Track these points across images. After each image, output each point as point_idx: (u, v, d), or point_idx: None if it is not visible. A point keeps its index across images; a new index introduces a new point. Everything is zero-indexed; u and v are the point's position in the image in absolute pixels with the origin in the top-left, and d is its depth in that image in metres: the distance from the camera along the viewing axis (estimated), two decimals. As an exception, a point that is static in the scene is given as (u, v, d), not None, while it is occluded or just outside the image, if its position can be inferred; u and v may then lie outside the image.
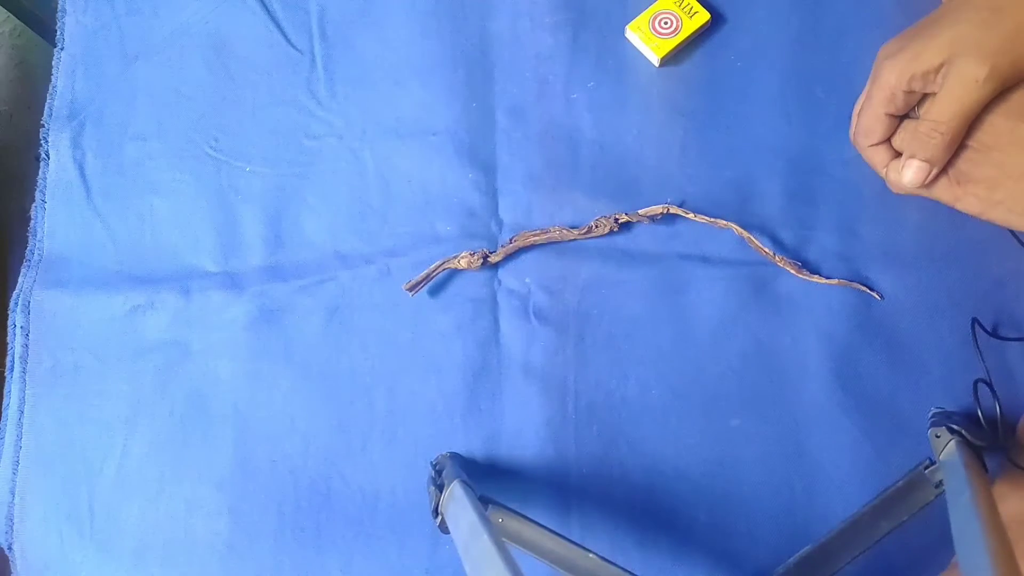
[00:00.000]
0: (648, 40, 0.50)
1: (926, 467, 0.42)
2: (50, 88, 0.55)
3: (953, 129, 0.39)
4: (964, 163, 0.41)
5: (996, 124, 0.40)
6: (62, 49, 0.56)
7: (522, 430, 0.47)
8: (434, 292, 0.49)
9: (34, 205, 0.53)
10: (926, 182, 0.42)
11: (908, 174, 0.41)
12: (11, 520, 0.49)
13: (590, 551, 0.40)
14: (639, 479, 0.46)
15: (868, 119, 0.43)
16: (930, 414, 0.44)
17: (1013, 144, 0.39)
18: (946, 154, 0.40)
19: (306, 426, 0.48)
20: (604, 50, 0.52)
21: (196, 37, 0.55)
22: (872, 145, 0.43)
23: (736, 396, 0.46)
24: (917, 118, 0.42)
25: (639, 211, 0.48)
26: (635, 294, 0.48)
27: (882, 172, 0.44)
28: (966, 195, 0.41)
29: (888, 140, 0.43)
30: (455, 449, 0.47)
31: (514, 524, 0.41)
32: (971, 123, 0.40)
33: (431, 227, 0.50)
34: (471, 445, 0.47)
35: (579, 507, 0.46)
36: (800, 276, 0.47)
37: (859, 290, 0.47)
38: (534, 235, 0.49)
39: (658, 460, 0.46)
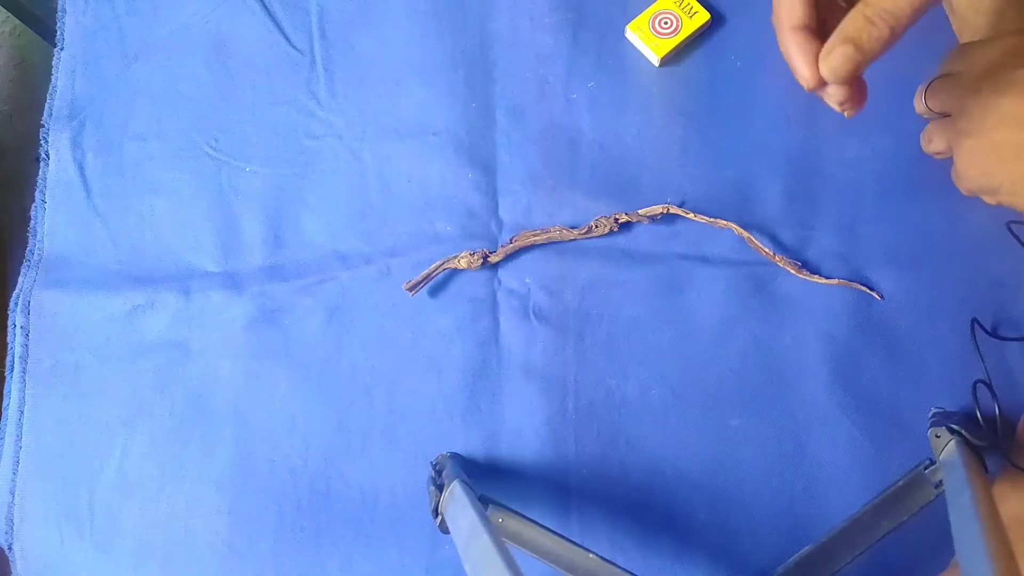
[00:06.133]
0: (648, 40, 0.50)
1: (926, 467, 0.42)
2: (50, 88, 0.55)
3: (902, 22, 0.33)
4: (963, 154, 0.41)
5: (991, 103, 0.38)
6: (62, 49, 0.56)
7: (522, 430, 0.47)
8: (434, 292, 0.49)
9: (34, 205, 0.53)
10: (847, 76, 0.35)
11: (832, 60, 0.35)
12: (11, 520, 0.49)
13: (590, 551, 0.40)
14: (639, 479, 0.46)
15: None
16: (930, 414, 0.44)
17: (1004, 123, 0.38)
18: (882, 49, 0.34)
19: (306, 426, 0.48)
20: (604, 50, 0.52)
21: (196, 37, 0.55)
22: (793, 28, 0.36)
23: (736, 396, 0.46)
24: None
25: (639, 211, 0.48)
26: (635, 294, 0.48)
27: (800, 67, 0.37)
28: (964, 186, 0.42)
29: (813, 27, 0.36)
30: (455, 449, 0.47)
31: (514, 524, 0.41)
32: (964, 109, 0.39)
33: (431, 227, 0.50)
34: (471, 445, 0.47)
35: (579, 507, 0.46)
36: (800, 276, 0.47)
37: (859, 290, 0.47)
38: (534, 235, 0.49)
39: (658, 460, 0.46)
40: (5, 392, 0.51)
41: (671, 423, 0.46)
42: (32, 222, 0.53)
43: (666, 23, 0.50)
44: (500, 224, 0.50)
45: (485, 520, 0.36)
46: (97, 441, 0.49)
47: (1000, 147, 0.39)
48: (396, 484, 0.47)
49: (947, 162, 0.46)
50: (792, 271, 0.47)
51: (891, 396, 0.45)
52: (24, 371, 0.51)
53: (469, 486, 0.41)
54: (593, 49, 0.52)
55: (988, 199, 0.42)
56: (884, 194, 0.48)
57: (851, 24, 0.34)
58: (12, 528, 0.48)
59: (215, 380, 0.49)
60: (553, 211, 0.50)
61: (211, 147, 0.53)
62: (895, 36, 0.33)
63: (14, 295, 0.52)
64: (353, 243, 0.51)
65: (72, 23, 0.56)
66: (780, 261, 0.47)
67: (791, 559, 0.42)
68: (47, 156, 0.54)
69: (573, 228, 0.49)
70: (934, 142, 0.45)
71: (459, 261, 0.48)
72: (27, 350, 0.51)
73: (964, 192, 0.44)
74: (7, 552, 0.48)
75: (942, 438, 0.41)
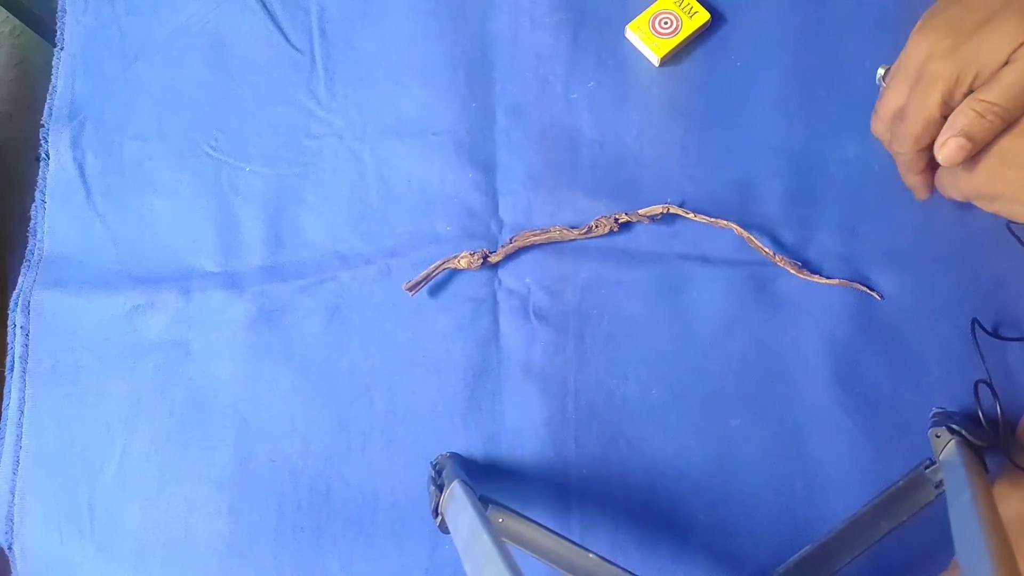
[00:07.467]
0: (648, 40, 0.50)
1: (926, 467, 0.42)
2: (50, 88, 0.55)
3: (1012, 112, 0.37)
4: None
5: None
6: (62, 49, 0.56)
7: (522, 430, 0.47)
8: (434, 292, 0.49)
9: (34, 205, 0.53)
10: (960, 163, 0.39)
11: (947, 151, 0.39)
12: (11, 520, 0.49)
13: (590, 551, 0.40)
14: (639, 479, 0.46)
15: (919, 124, 0.40)
16: (931, 414, 0.44)
17: (1011, 129, 0.38)
18: (992, 137, 0.38)
19: (306, 426, 0.48)
20: (604, 50, 0.52)
21: (196, 37, 0.55)
22: (921, 149, 0.41)
23: (736, 396, 0.46)
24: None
25: (639, 211, 0.48)
26: (635, 294, 0.48)
27: (922, 185, 0.44)
28: (960, 190, 0.42)
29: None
30: (455, 449, 0.47)
31: (514, 524, 0.41)
32: None
33: (431, 227, 0.50)
34: (471, 445, 0.47)
35: (579, 507, 0.46)
36: (800, 276, 0.47)
37: (859, 290, 0.47)
38: (534, 235, 0.49)
39: (658, 460, 0.46)
40: (5, 392, 0.51)
41: (671, 423, 0.46)
42: (32, 222, 0.53)
43: (666, 23, 0.50)
44: (500, 224, 0.50)
45: (485, 520, 0.36)
46: (97, 441, 0.49)
47: (1006, 153, 0.39)
48: (396, 484, 0.47)
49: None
50: (792, 271, 0.47)
51: (891, 396, 0.45)
52: (24, 371, 0.51)
53: (469, 486, 0.41)
54: (593, 49, 0.52)
55: (985, 206, 0.42)
56: (884, 194, 0.47)
57: (963, 118, 0.38)
58: (12, 528, 0.48)
59: (215, 380, 0.49)
60: (553, 211, 0.50)
61: (211, 147, 0.53)
62: (1005, 125, 0.38)
63: (14, 295, 0.52)
64: (353, 243, 0.51)
65: (72, 23, 0.56)
66: (780, 261, 0.47)
67: (791, 559, 0.42)
68: (47, 156, 0.54)
69: (573, 228, 0.49)
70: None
71: (459, 261, 0.48)
72: (27, 350, 0.51)
73: (958, 197, 0.43)
74: (7, 552, 0.48)
75: (942, 438, 0.41)
